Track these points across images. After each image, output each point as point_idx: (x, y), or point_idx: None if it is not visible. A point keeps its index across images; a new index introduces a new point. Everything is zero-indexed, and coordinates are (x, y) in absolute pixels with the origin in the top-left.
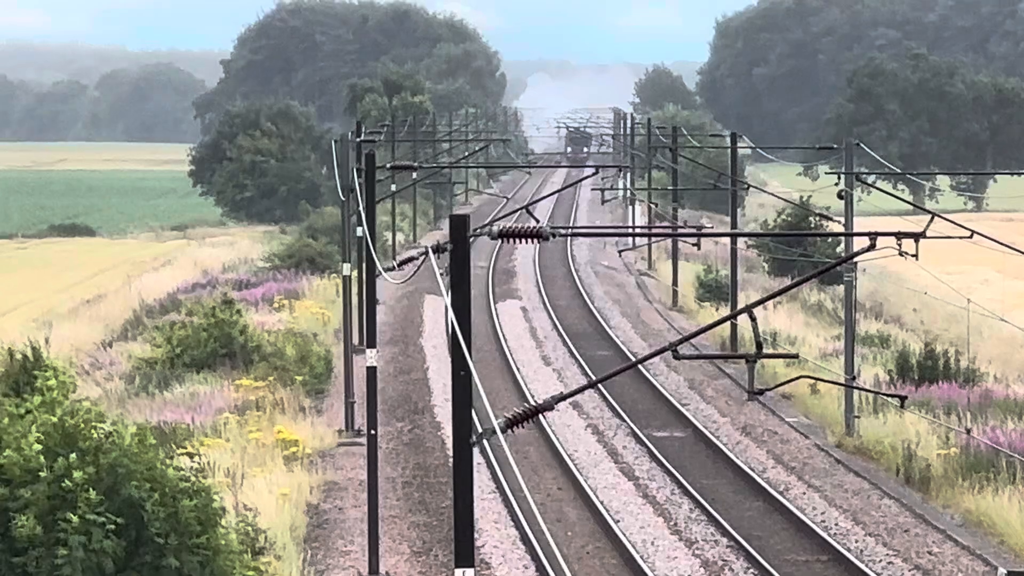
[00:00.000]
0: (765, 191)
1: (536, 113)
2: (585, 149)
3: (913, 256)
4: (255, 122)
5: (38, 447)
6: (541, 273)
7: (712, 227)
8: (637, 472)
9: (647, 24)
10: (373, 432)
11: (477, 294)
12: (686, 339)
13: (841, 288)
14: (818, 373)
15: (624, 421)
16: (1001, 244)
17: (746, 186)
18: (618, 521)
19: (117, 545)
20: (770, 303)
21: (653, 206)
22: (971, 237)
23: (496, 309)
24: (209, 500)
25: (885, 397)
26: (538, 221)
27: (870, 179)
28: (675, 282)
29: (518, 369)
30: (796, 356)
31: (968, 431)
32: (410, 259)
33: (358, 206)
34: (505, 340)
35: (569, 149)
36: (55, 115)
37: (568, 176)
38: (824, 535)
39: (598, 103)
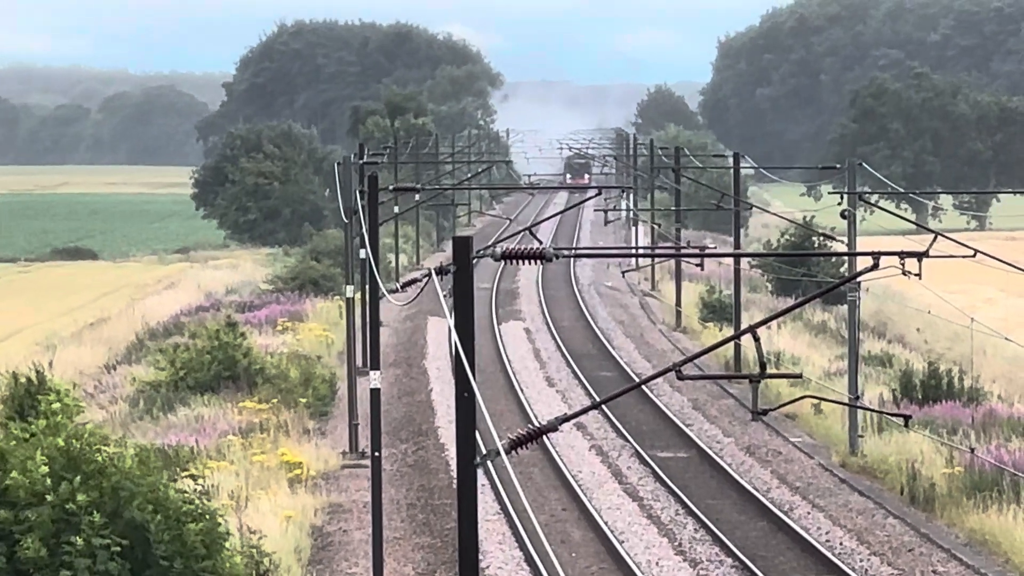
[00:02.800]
0: (768, 211)
1: (531, 136)
2: (586, 175)
3: (916, 275)
4: (258, 144)
5: (44, 470)
6: (544, 294)
7: (715, 247)
8: (641, 492)
9: (649, 44)
10: (377, 454)
11: (480, 315)
12: (690, 359)
13: (845, 308)
14: (822, 393)
15: (628, 441)
16: (1004, 263)
17: (749, 206)
18: (623, 542)
19: (122, 568)
20: (774, 323)
21: (656, 227)
22: (974, 256)
23: (500, 330)
24: (214, 523)
25: (889, 416)
26: (541, 242)
27: (873, 199)
28: (678, 302)
29: (522, 390)
30: (800, 376)
31: (972, 450)
32: (413, 281)
33: (361, 228)
34: (509, 361)
35: (568, 177)
36: (58, 138)
37: (570, 199)
38: (829, 555)
39: (599, 124)
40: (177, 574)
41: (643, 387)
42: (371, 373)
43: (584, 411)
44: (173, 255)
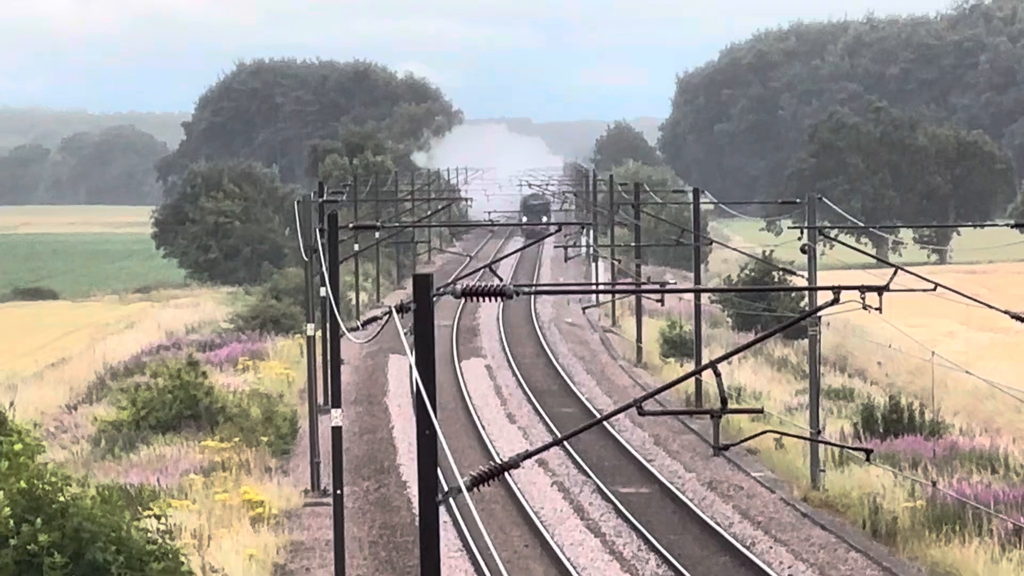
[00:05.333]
0: (728, 246)
1: (489, 173)
2: (544, 219)
3: (877, 309)
4: (218, 183)
5: (7, 511)
6: (505, 331)
7: (675, 283)
8: (603, 528)
9: (608, 81)
10: (339, 492)
11: (441, 353)
12: (651, 395)
13: (805, 342)
14: (783, 427)
15: (590, 477)
16: (965, 296)
17: (709, 241)
18: None
19: None
20: (735, 358)
21: (616, 263)
22: (935, 290)
23: (460, 367)
24: (177, 563)
25: (851, 450)
26: (501, 279)
27: (833, 233)
28: (639, 338)
29: (483, 427)
30: (761, 411)
31: (934, 483)
32: (374, 319)
33: (321, 266)
34: (470, 398)
35: (525, 220)
36: (17, 179)
37: (528, 238)
38: None
39: (558, 161)
40: None
41: (604, 423)
42: (332, 411)
43: (546, 447)
44: (134, 295)
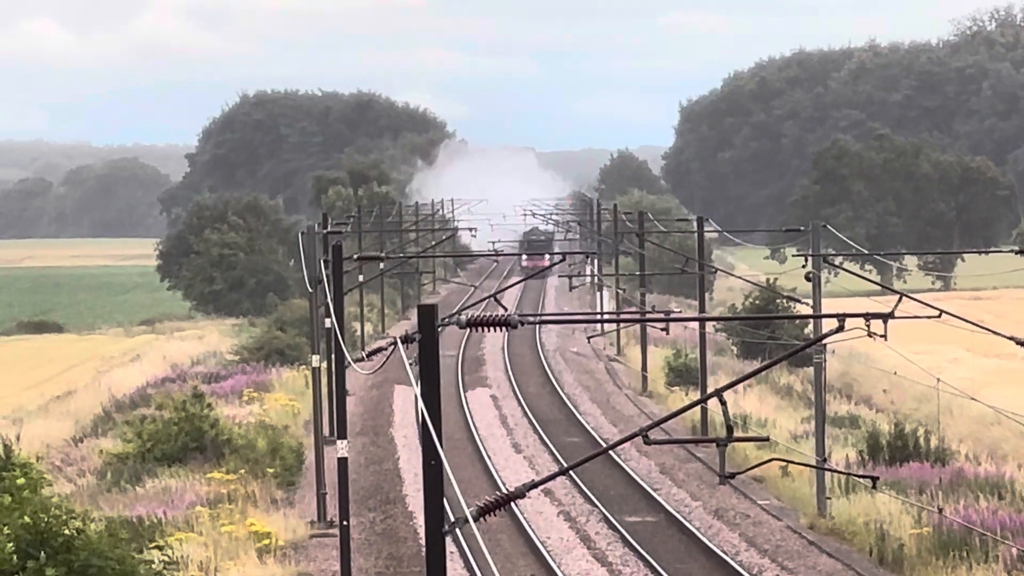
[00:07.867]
0: (733, 275)
1: (486, 203)
2: (547, 256)
3: (882, 337)
4: (223, 215)
5: (11, 547)
6: (510, 360)
7: (680, 311)
8: (610, 558)
9: (612, 110)
10: (345, 523)
11: (446, 383)
12: (656, 424)
13: (811, 370)
14: (789, 455)
15: (596, 507)
16: (969, 323)
17: (714, 270)
18: None
19: None
20: (740, 386)
21: (621, 291)
22: (939, 317)
23: (466, 398)
24: None
25: (857, 478)
26: (506, 309)
27: (837, 260)
28: (644, 367)
29: (489, 457)
30: (767, 439)
31: (940, 510)
32: (379, 350)
33: (326, 297)
34: (476, 428)
35: (525, 258)
36: (21, 212)
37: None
38: None
39: (562, 190)
40: None
41: (610, 452)
42: (338, 442)
43: (552, 477)
44: (139, 327)
